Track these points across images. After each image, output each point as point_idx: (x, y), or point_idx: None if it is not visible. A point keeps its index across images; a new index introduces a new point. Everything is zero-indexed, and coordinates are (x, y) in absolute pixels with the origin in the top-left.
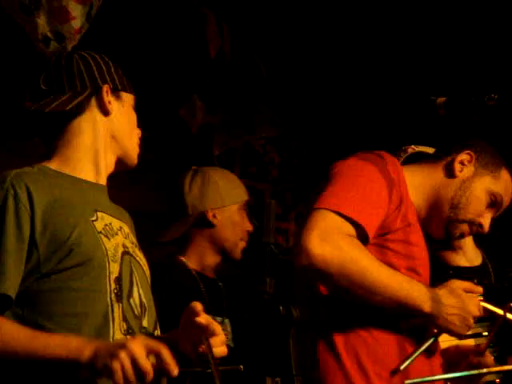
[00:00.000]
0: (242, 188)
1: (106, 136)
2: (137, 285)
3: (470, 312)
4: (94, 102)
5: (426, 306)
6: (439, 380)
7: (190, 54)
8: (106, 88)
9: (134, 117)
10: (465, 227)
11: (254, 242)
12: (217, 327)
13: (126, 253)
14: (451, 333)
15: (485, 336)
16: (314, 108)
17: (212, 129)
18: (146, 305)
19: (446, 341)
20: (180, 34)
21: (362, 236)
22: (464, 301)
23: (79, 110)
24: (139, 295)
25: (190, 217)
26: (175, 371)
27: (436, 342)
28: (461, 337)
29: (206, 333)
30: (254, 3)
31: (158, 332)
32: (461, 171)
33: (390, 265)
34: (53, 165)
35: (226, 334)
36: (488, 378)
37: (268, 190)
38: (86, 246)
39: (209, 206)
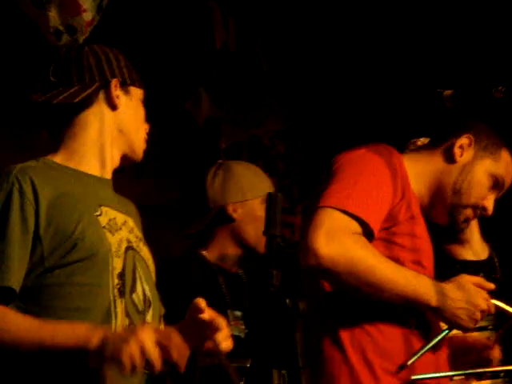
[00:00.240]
0: (266, 182)
1: (112, 130)
2: (140, 280)
3: (477, 306)
4: (102, 95)
5: (433, 300)
6: (446, 377)
7: (197, 47)
8: (114, 82)
9: (142, 112)
10: (469, 212)
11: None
12: (221, 322)
13: (129, 248)
14: (458, 326)
15: (490, 330)
16: (319, 101)
17: (219, 122)
18: (151, 299)
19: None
20: (187, 28)
21: (368, 232)
22: (471, 295)
23: (87, 102)
24: (143, 290)
25: (212, 211)
26: (183, 365)
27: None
28: (467, 330)
29: (210, 328)
30: None
31: (161, 327)
32: (461, 156)
33: (397, 259)
34: (58, 158)
35: (243, 328)
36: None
37: (274, 184)
38: (89, 240)
39: (229, 200)
